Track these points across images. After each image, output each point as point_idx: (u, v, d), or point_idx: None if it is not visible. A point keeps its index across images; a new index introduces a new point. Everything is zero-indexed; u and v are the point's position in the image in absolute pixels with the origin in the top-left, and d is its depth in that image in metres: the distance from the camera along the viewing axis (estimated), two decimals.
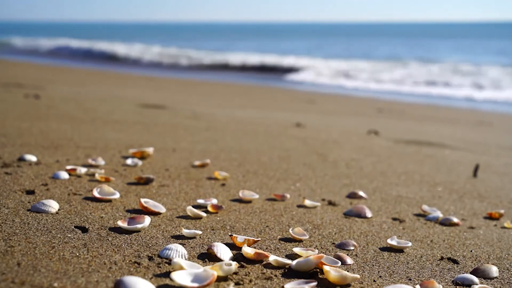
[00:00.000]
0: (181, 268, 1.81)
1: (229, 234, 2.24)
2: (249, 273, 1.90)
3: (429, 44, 41.05)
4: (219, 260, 1.98)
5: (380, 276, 2.00)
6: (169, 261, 1.92)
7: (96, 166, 3.29)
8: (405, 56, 28.61)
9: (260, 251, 2.03)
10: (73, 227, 2.20)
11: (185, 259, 1.97)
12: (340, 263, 2.06)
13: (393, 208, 2.98)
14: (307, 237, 2.35)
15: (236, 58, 24.62)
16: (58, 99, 6.87)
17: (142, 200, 2.51)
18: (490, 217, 2.97)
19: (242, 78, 17.97)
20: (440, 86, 16.63)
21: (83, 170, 3.06)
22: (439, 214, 2.86)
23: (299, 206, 2.86)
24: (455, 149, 5.36)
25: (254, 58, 24.58)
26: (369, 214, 2.78)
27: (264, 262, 2.00)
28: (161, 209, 2.53)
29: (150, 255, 1.97)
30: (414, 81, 17.66)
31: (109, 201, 2.61)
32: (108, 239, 2.09)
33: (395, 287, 1.82)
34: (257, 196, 2.91)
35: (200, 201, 2.70)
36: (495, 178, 4.06)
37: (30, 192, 2.62)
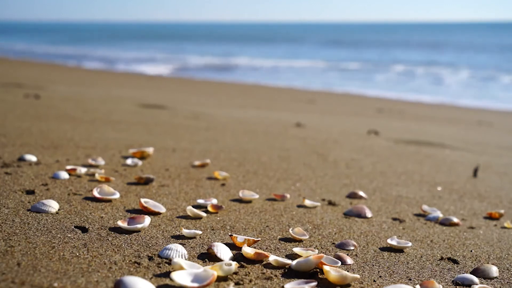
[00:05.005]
0: (181, 268, 1.81)
1: (229, 234, 2.24)
2: (249, 273, 1.90)
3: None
4: (219, 260, 1.98)
5: (380, 276, 2.00)
6: (169, 261, 1.92)
7: (96, 166, 3.29)
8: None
9: (260, 251, 2.03)
10: (73, 227, 2.20)
11: (185, 259, 1.97)
12: (340, 263, 2.06)
13: (393, 208, 2.98)
14: (307, 237, 2.35)
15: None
16: (58, 99, 6.87)
17: (142, 200, 2.51)
18: (490, 217, 2.97)
19: None
20: None
21: (83, 170, 3.06)
22: (439, 214, 2.86)
23: (299, 206, 2.86)
24: (455, 149, 5.36)
25: None
26: (369, 214, 2.78)
27: (264, 262, 2.00)
28: (161, 209, 2.53)
29: (150, 255, 1.97)
30: None
31: (109, 201, 2.61)
32: (108, 239, 2.09)
33: (395, 287, 1.82)
34: (257, 196, 2.91)
35: (200, 201, 2.70)
36: (495, 178, 4.07)
37: (30, 192, 2.62)
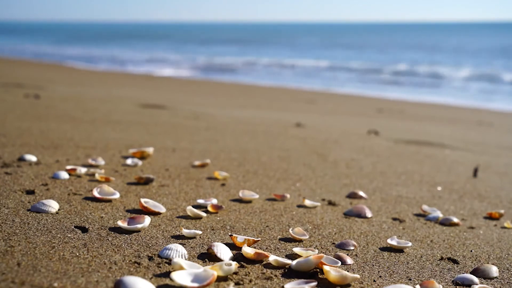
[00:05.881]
0: (181, 268, 1.81)
1: (229, 234, 2.24)
2: (249, 273, 1.90)
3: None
4: (219, 260, 1.98)
5: (380, 276, 2.00)
6: (169, 261, 1.92)
7: (96, 166, 3.29)
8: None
9: (260, 251, 2.03)
10: (73, 227, 2.20)
11: (185, 259, 1.97)
12: (340, 263, 2.06)
13: (393, 208, 2.98)
14: (307, 237, 2.35)
15: None
16: (58, 99, 6.87)
17: (142, 200, 2.51)
18: (490, 217, 2.97)
19: None
20: None
21: (83, 170, 3.06)
22: (439, 214, 2.86)
23: (299, 206, 2.86)
24: (455, 149, 5.36)
25: None
26: (369, 214, 2.78)
27: (264, 262, 2.00)
28: (161, 209, 2.53)
29: (150, 255, 1.97)
30: None
31: (109, 201, 2.61)
32: (108, 239, 2.09)
33: (395, 287, 1.82)
34: (257, 196, 2.91)
35: (200, 201, 2.70)
36: (495, 178, 4.06)
37: (30, 192, 2.62)
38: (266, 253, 2.02)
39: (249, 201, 2.86)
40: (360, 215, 2.76)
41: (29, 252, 1.87)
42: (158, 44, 42.92)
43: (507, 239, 2.59)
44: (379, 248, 2.31)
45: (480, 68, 22.23)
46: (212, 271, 1.76)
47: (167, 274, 1.81)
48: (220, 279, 1.81)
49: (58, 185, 2.80)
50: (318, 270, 1.96)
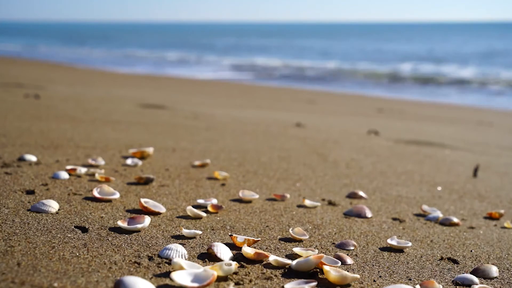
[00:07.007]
0: (181, 268, 1.81)
1: (229, 234, 2.24)
2: (249, 273, 1.90)
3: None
4: (219, 260, 1.98)
5: (380, 276, 2.00)
6: (169, 261, 1.92)
7: (96, 166, 3.29)
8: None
9: (260, 251, 2.03)
10: (73, 227, 2.20)
11: (185, 259, 1.97)
12: (340, 263, 2.06)
13: (393, 208, 2.98)
14: (307, 237, 2.35)
15: None
16: (58, 99, 6.87)
17: (142, 200, 2.51)
18: (490, 217, 2.97)
19: None
20: None
21: (83, 170, 3.06)
22: (439, 214, 2.86)
23: (299, 206, 2.86)
24: (455, 149, 5.36)
25: None
26: (369, 214, 2.78)
27: (264, 262, 2.00)
28: (161, 209, 2.53)
29: (150, 255, 1.97)
30: None
31: (109, 201, 2.61)
32: (108, 239, 2.09)
33: (395, 287, 1.82)
34: (257, 196, 2.91)
35: (200, 201, 2.70)
36: (495, 178, 4.06)
37: (30, 192, 2.62)
38: (266, 253, 2.02)
39: (249, 201, 2.86)
40: (360, 215, 2.76)
41: (29, 252, 1.87)
42: (163, 44, 42.92)
43: (507, 239, 2.59)
44: (379, 248, 2.31)
45: (480, 68, 22.23)
46: (212, 271, 1.76)
47: (167, 274, 1.81)
48: (220, 279, 1.81)
49: (58, 185, 2.80)
50: (318, 270, 1.96)
